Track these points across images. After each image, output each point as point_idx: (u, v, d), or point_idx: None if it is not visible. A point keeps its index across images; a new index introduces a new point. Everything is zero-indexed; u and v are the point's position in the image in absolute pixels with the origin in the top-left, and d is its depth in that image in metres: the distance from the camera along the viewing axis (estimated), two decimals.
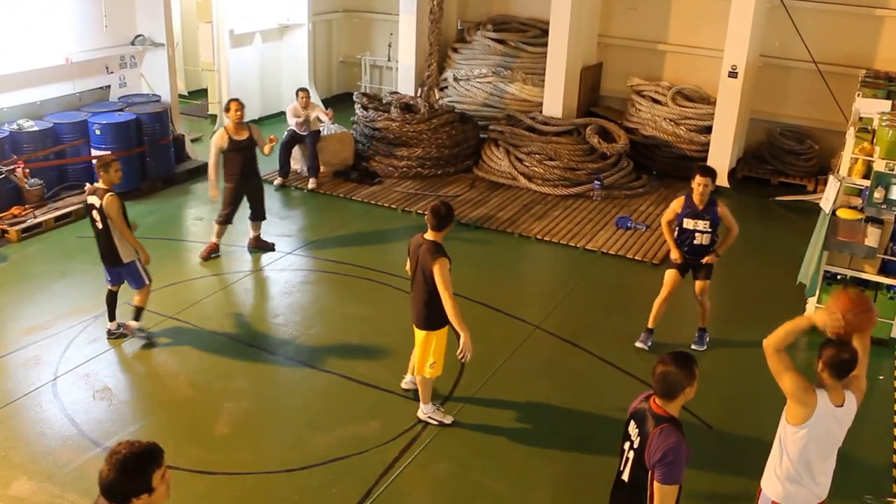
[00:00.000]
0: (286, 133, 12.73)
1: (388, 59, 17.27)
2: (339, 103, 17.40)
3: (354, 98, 14.24)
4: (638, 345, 8.53)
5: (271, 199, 12.27)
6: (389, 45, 17.13)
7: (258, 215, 10.44)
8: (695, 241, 8.25)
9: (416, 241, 6.91)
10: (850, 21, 13.03)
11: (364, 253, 10.31)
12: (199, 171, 13.23)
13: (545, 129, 13.17)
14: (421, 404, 7.28)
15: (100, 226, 7.95)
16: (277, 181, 12.75)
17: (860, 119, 9.45)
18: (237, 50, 15.49)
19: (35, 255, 10.17)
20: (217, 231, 10.25)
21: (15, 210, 10.80)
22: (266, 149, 10.13)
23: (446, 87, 15.03)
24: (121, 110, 12.30)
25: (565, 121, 13.46)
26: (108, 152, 8.18)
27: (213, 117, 15.84)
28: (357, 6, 17.89)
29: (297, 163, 13.06)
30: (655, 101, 13.77)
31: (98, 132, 11.73)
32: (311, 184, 12.63)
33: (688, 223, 8.21)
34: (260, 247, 10.51)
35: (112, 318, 8.35)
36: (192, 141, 14.12)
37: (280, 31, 16.51)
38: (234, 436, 7.02)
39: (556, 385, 7.84)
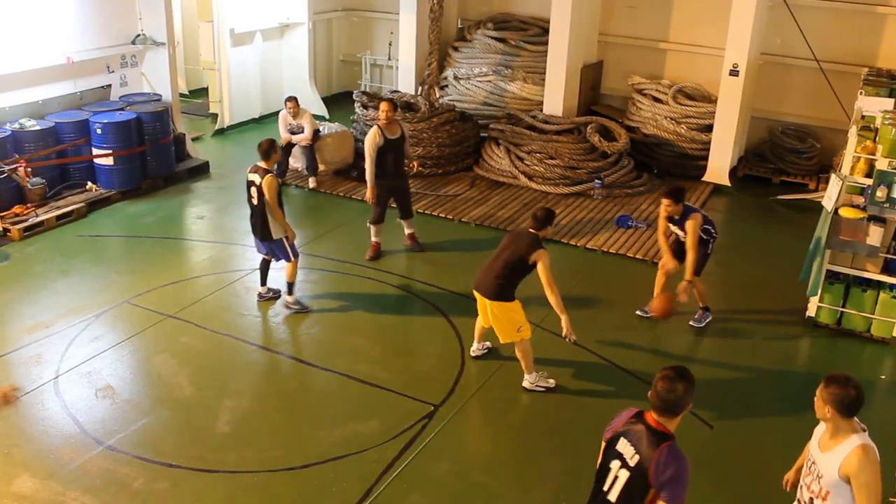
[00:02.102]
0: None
1: (389, 58, 17.28)
2: (339, 102, 17.46)
3: (354, 97, 14.23)
4: (638, 312, 9.11)
5: None
6: (390, 44, 17.14)
7: (407, 213, 10.47)
8: (680, 240, 8.73)
9: (519, 230, 7.79)
10: (852, 19, 13.02)
11: (364, 252, 10.30)
12: (200, 170, 13.26)
13: (546, 128, 13.17)
14: (525, 374, 7.71)
15: (255, 202, 8.66)
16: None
17: (862, 117, 9.44)
18: (238, 49, 15.50)
19: (37, 254, 10.18)
20: (374, 231, 10.31)
21: (17, 209, 10.82)
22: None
23: (446, 86, 15.03)
24: (122, 109, 12.31)
25: (566, 119, 13.45)
26: (266, 138, 8.72)
27: (214, 116, 15.86)
28: (357, 5, 17.89)
29: (298, 161, 13.07)
30: (656, 100, 13.77)
31: (99, 131, 11.74)
32: (312, 183, 12.64)
33: (672, 226, 8.67)
34: (415, 244, 10.57)
35: (263, 283, 9.19)
36: (193, 140, 14.14)
37: (280, 29, 16.52)
38: (234, 434, 7.02)
39: (556, 383, 7.83)
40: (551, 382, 7.77)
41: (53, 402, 7.33)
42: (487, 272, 7.50)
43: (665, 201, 8.39)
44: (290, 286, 9.01)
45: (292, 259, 8.90)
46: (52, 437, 6.89)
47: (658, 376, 4.21)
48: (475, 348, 8.21)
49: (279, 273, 9.21)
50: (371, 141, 9.88)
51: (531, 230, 7.47)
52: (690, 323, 8.96)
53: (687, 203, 8.55)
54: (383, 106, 9.96)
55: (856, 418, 4.41)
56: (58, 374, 7.73)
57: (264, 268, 9.16)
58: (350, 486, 6.41)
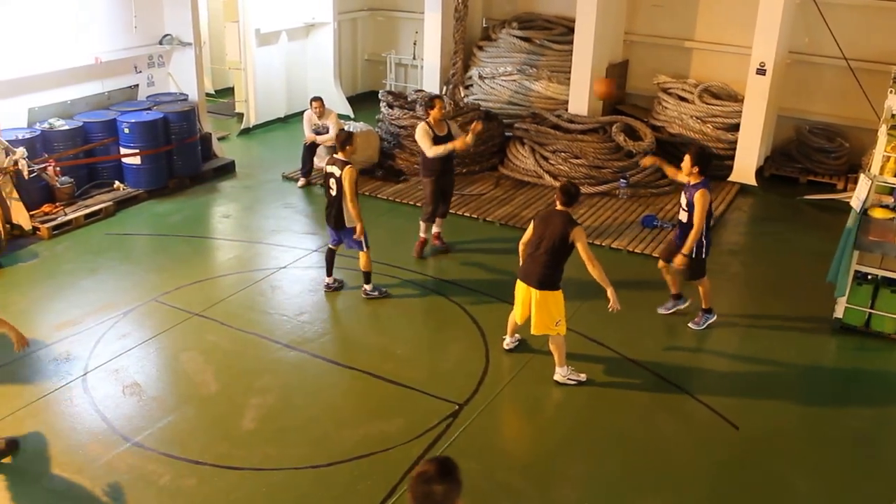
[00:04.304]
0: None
1: (413, 58, 17.29)
2: (364, 101, 17.50)
3: (379, 96, 14.26)
4: (660, 311, 9.08)
5: (296, 198, 12.37)
6: (414, 44, 17.15)
7: (443, 212, 10.46)
8: (679, 216, 8.63)
9: (547, 212, 7.70)
10: (881, 16, 12.87)
11: (389, 250, 10.31)
12: (226, 170, 13.33)
13: (571, 127, 13.14)
14: (557, 368, 7.78)
15: (334, 192, 8.93)
16: (301, 181, 12.79)
17: (892, 116, 9.32)
18: (263, 49, 15.58)
19: (65, 252, 10.28)
20: (424, 228, 10.40)
21: (46, 208, 10.94)
22: (469, 138, 9.87)
23: (471, 86, 15.03)
24: (149, 109, 12.41)
25: (591, 119, 13.41)
26: (343, 129, 8.97)
27: (240, 116, 15.94)
28: (382, 4, 17.93)
29: (322, 161, 13.06)
30: (682, 99, 13.68)
31: (127, 131, 11.84)
32: None
33: (682, 196, 8.54)
34: (441, 244, 10.53)
35: (329, 273, 9.44)
36: (219, 139, 14.23)
37: (306, 29, 16.59)
38: (259, 431, 7.06)
39: (583, 383, 7.81)
40: (582, 377, 7.80)
41: (82, 398, 7.40)
42: (533, 262, 7.51)
43: (687, 158, 8.31)
44: (367, 276, 9.25)
45: (366, 249, 9.09)
46: (80, 433, 6.96)
47: (414, 475, 3.65)
48: (508, 342, 8.26)
49: (305, 272, 9.24)
50: (423, 136, 9.85)
51: (560, 208, 7.48)
52: (689, 325, 8.83)
53: (707, 179, 8.40)
54: (438, 104, 10.02)
55: None
56: (86, 370, 7.81)
57: (330, 258, 9.40)
58: (375, 484, 6.42)
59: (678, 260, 8.45)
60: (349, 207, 8.88)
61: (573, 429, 7.28)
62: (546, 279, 7.49)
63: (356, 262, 9.32)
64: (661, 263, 8.91)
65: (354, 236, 9.02)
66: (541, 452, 6.98)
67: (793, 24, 13.04)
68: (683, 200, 8.44)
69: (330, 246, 9.40)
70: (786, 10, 12.35)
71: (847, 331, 8.90)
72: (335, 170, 8.89)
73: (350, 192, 8.77)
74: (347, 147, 8.94)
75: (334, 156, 9.02)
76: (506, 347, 8.27)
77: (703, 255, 8.50)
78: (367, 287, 9.29)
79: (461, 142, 9.81)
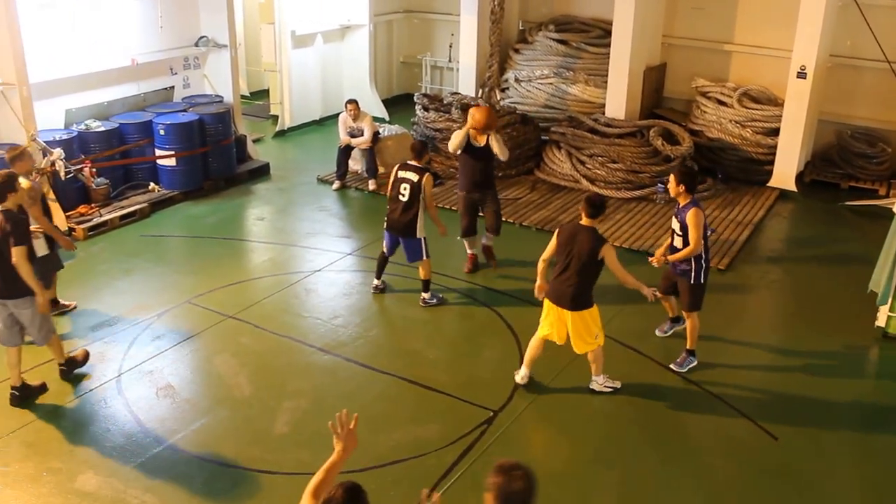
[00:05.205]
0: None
1: (449, 60, 17.22)
2: (399, 104, 17.47)
3: (415, 99, 14.21)
4: (658, 333, 8.67)
5: (331, 201, 12.34)
6: (450, 46, 17.09)
7: (491, 228, 9.93)
8: (673, 243, 7.94)
9: (571, 228, 7.34)
10: None
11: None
12: (261, 172, 13.35)
13: (608, 131, 12.99)
14: (593, 376, 7.63)
15: (404, 199, 8.86)
16: (336, 184, 12.77)
17: None
18: (299, 51, 15.60)
19: (100, 253, 10.33)
20: (466, 244, 10.12)
21: (82, 209, 11.01)
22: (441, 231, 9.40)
23: (507, 88, 14.94)
24: (184, 111, 12.45)
25: (628, 122, 13.26)
26: (418, 139, 9.02)
27: (275, 118, 15.97)
28: (418, 7, 17.89)
29: (357, 164, 13.07)
30: (721, 103, 13.50)
31: (162, 132, 11.89)
32: (371, 185, 12.63)
33: (674, 221, 7.93)
34: (489, 258, 10.13)
35: (379, 276, 9.46)
36: (254, 141, 14.25)
37: (341, 31, 16.59)
38: (292, 435, 7.02)
39: (619, 390, 7.70)
40: (618, 384, 7.68)
41: (116, 400, 7.41)
42: (563, 284, 7.26)
43: (671, 177, 7.75)
44: (426, 284, 9.19)
45: (426, 258, 9.06)
46: (114, 434, 6.96)
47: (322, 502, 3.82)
48: (524, 375, 7.72)
49: (339, 275, 9.19)
50: (461, 132, 9.65)
51: (586, 222, 7.23)
52: (671, 366, 8.09)
53: (697, 197, 7.86)
54: (478, 117, 9.56)
55: None
56: (120, 372, 7.82)
57: (383, 262, 9.39)
58: (408, 490, 6.34)
59: (659, 258, 7.89)
60: (430, 213, 8.94)
61: (608, 436, 7.18)
62: (580, 299, 7.28)
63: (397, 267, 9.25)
64: (659, 294, 8.17)
65: (440, 233, 9.13)
66: (576, 460, 6.88)
67: (835, 27, 12.80)
68: (676, 225, 7.78)
69: (385, 253, 9.30)
70: (827, 12, 12.13)
71: (890, 340, 8.69)
72: (411, 176, 8.82)
73: (430, 198, 8.86)
74: (424, 155, 8.98)
75: (408, 162, 8.99)
76: (521, 382, 7.73)
77: (702, 280, 7.85)
78: (426, 295, 9.21)
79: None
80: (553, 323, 7.42)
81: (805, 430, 7.26)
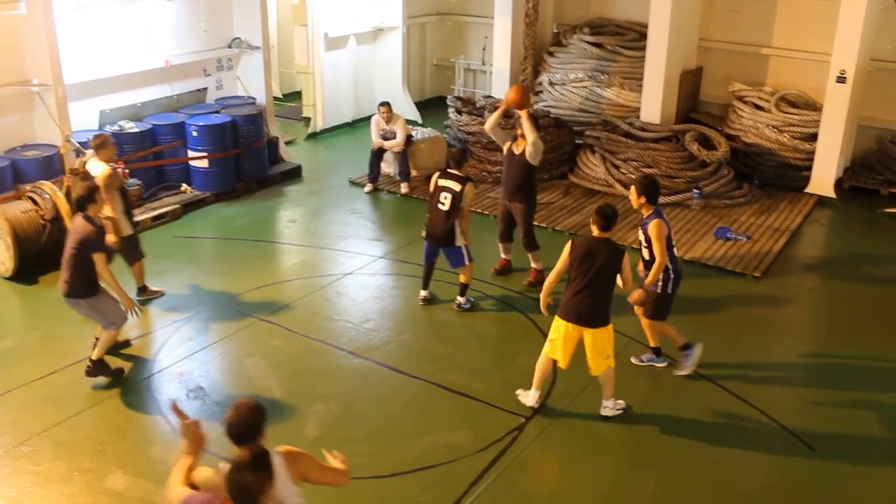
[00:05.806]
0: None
1: (482, 63, 17.13)
2: (432, 107, 17.40)
3: (448, 102, 14.15)
4: (633, 360, 8.15)
5: (363, 204, 12.30)
6: (484, 49, 16.99)
7: (524, 242, 9.68)
8: (642, 255, 7.73)
9: (587, 242, 7.00)
10: None
11: None
12: (293, 174, 13.34)
13: (642, 136, 12.84)
14: (604, 400, 7.27)
15: (445, 207, 8.72)
16: (368, 187, 12.72)
17: None
18: (331, 53, 15.58)
19: None
20: (501, 248, 10.04)
21: None
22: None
23: (541, 92, 14.83)
24: (217, 112, 12.47)
25: (663, 127, 13.10)
26: (457, 147, 9.09)
27: (307, 120, 15.97)
28: (451, 9, 17.83)
29: (390, 166, 13.02)
30: (758, 108, 13.30)
31: (195, 134, 11.91)
32: (404, 188, 12.57)
33: (640, 232, 7.71)
34: (534, 280, 9.68)
35: (425, 286, 9.25)
36: (286, 143, 14.24)
37: (374, 34, 16.56)
38: (323, 439, 6.94)
39: (647, 400, 7.58)
40: (622, 403, 7.33)
41: (146, 401, 7.41)
42: (582, 301, 6.89)
43: (632, 189, 7.56)
44: (464, 288, 9.10)
45: (468, 263, 8.95)
46: (144, 435, 6.96)
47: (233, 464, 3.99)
48: (533, 397, 7.38)
49: (371, 278, 9.13)
50: (493, 116, 9.64)
51: (599, 234, 6.95)
52: (631, 359, 8.09)
53: (660, 207, 7.63)
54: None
55: None
56: (151, 373, 7.81)
57: (428, 271, 9.20)
58: (439, 495, 6.27)
59: (635, 295, 7.51)
60: (462, 224, 8.80)
61: (641, 446, 7.04)
62: (602, 316, 6.96)
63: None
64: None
65: (466, 247, 8.89)
66: (606, 470, 6.77)
67: (875, 31, 12.57)
68: (642, 237, 7.59)
69: (427, 261, 9.12)
70: (868, 15, 11.90)
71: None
72: (453, 185, 8.70)
73: (468, 208, 8.79)
74: (464, 163, 8.91)
75: (448, 170, 8.86)
76: (533, 405, 7.37)
77: (669, 291, 7.67)
78: (461, 299, 9.11)
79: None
80: (565, 343, 7.06)
81: (842, 440, 7.08)
